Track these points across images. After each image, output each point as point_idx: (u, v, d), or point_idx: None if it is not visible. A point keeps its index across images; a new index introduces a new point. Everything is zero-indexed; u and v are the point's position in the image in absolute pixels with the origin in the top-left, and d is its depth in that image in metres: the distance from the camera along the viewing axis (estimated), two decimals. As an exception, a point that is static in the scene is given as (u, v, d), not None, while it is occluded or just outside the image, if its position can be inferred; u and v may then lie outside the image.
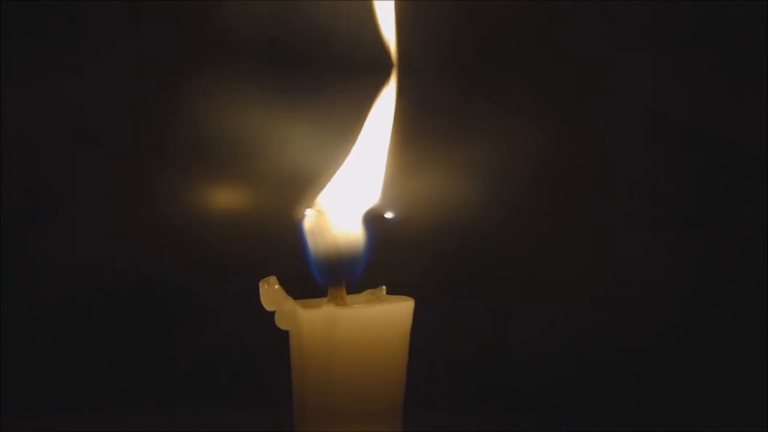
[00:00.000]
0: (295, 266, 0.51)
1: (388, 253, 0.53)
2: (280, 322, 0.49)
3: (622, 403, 0.70)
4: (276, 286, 0.49)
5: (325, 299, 0.50)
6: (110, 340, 0.73)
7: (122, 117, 0.74)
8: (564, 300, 0.71)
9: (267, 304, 0.49)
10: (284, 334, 0.50)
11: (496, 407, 0.70)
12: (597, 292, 0.71)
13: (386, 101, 0.56)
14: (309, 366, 0.49)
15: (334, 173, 0.54)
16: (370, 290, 0.51)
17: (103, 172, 0.74)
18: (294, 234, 0.51)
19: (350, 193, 0.53)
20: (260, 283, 0.49)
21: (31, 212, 0.74)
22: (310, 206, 0.51)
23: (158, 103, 0.73)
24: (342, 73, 0.69)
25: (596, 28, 0.72)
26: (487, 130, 0.72)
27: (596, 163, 0.72)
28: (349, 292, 0.51)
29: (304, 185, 0.57)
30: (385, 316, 0.50)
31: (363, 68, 0.63)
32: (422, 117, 0.70)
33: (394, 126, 0.55)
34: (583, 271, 0.71)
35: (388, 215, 0.53)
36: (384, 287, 0.51)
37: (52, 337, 0.73)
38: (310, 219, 0.50)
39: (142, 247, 0.73)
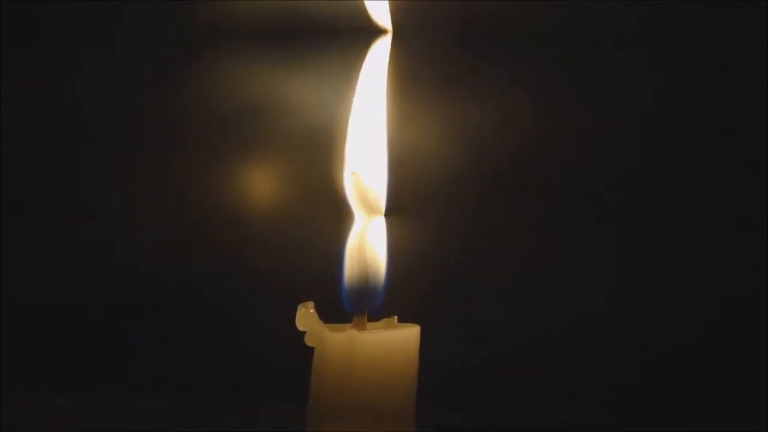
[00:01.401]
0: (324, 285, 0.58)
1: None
2: (309, 341, 0.56)
3: (622, 405, 0.72)
4: (311, 311, 0.56)
5: (349, 325, 0.57)
6: (116, 341, 0.75)
7: (126, 112, 0.76)
8: (559, 301, 0.74)
9: (300, 325, 0.56)
10: (295, 344, 0.56)
11: (497, 410, 0.73)
12: (593, 292, 0.73)
13: (378, 66, 0.56)
14: (329, 379, 0.56)
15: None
16: (385, 319, 0.59)
17: (108, 171, 0.76)
18: (310, 233, 0.56)
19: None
20: (299, 307, 0.56)
21: (39, 214, 0.76)
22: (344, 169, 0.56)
23: (161, 92, 0.76)
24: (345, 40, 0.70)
25: (598, 21, 0.74)
26: (478, 106, 0.74)
27: (595, 160, 0.74)
28: (369, 320, 0.58)
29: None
30: (395, 340, 0.58)
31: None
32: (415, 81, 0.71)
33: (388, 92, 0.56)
34: (579, 271, 0.74)
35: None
36: (396, 316, 0.59)
37: (57, 336, 0.75)
38: (349, 183, 0.56)
39: (153, 248, 0.75)
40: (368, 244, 0.58)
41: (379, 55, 0.57)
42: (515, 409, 0.72)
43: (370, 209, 0.57)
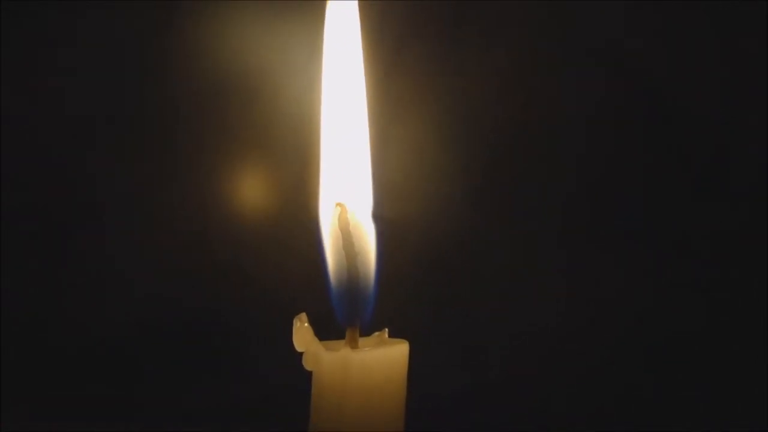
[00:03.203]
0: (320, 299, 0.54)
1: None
2: (307, 364, 0.52)
3: (622, 405, 0.72)
4: (306, 325, 0.52)
5: (343, 341, 0.53)
6: (123, 354, 0.74)
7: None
8: (558, 301, 0.73)
9: (298, 344, 0.52)
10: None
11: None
12: (592, 292, 0.72)
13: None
14: (327, 399, 0.53)
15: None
16: (377, 333, 0.55)
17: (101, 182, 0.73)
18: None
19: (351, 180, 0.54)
20: (294, 321, 0.52)
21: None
22: (323, 199, 0.53)
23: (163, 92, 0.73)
24: None
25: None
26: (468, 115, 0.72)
27: (590, 158, 0.72)
28: (361, 334, 0.54)
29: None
30: (386, 359, 0.54)
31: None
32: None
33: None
34: (577, 270, 0.73)
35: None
36: (386, 330, 0.55)
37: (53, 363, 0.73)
38: (332, 217, 0.52)
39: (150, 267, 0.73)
40: (354, 245, 0.53)
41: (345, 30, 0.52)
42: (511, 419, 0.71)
43: (354, 241, 0.52)
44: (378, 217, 0.53)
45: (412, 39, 0.72)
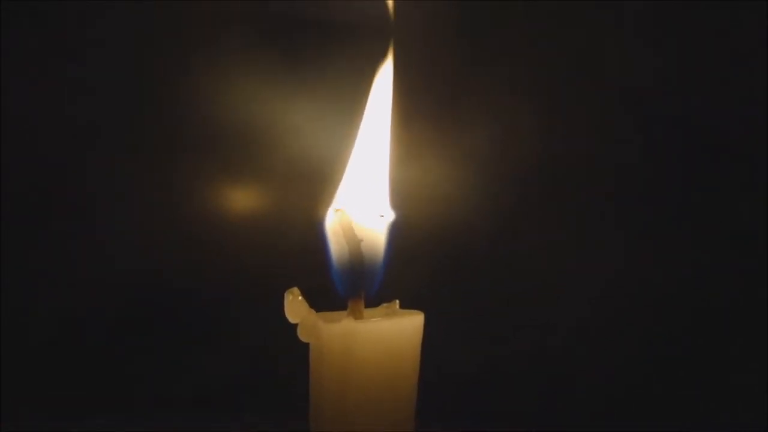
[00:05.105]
0: (317, 275, 0.49)
1: (393, 259, 0.51)
2: (303, 335, 0.47)
3: (622, 405, 0.70)
4: (299, 298, 0.47)
5: (345, 312, 0.48)
6: (120, 351, 0.72)
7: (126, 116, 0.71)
8: (560, 302, 0.71)
9: (290, 316, 0.47)
10: (302, 344, 0.49)
11: (499, 416, 0.70)
12: (594, 292, 0.71)
13: (384, 82, 0.53)
14: (327, 377, 0.48)
15: (346, 165, 0.51)
16: (385, 304, 0.50)
17: (102, 178, 0.71)
18: (315, 239, 0.49)
19: (364, 189, 0.51)
20: (285, 294, 0.47)
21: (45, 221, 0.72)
22: (330, 206, 0.49)
23: (163, 98, 0.71)
24: (346, 45, 0.67)
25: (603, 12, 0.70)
26: (483, 119, 0.70)
27: (595, 160, 0.71)
28: (367, 305, 0.49)
29: (322, 177, 0.54)
30: (397, 330, 0.49)
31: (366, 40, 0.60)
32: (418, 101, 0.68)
33: (393, 111, 0.52)
34: (580, 271, 0.71)
35: (389, 216, 0.51)
36: (397, 301, 0.50)
37: (61, 349, 0.71)
38: (332, 221, 0.49)
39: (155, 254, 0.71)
40: (350, 218, 0.48)
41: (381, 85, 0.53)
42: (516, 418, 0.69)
43: (355, 252, 0.48)
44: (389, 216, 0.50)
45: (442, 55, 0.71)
